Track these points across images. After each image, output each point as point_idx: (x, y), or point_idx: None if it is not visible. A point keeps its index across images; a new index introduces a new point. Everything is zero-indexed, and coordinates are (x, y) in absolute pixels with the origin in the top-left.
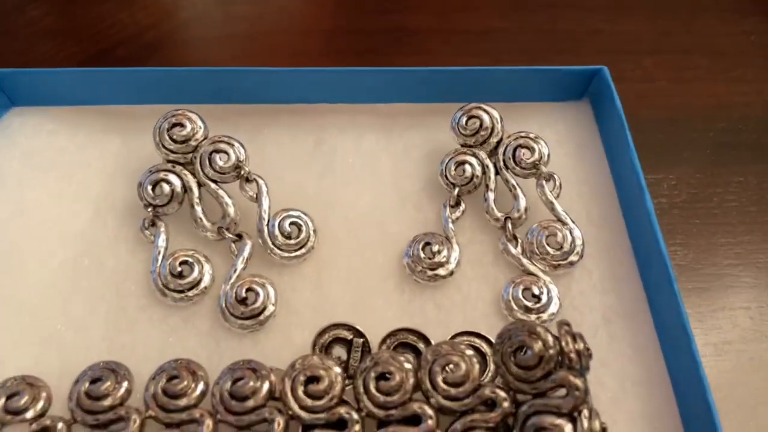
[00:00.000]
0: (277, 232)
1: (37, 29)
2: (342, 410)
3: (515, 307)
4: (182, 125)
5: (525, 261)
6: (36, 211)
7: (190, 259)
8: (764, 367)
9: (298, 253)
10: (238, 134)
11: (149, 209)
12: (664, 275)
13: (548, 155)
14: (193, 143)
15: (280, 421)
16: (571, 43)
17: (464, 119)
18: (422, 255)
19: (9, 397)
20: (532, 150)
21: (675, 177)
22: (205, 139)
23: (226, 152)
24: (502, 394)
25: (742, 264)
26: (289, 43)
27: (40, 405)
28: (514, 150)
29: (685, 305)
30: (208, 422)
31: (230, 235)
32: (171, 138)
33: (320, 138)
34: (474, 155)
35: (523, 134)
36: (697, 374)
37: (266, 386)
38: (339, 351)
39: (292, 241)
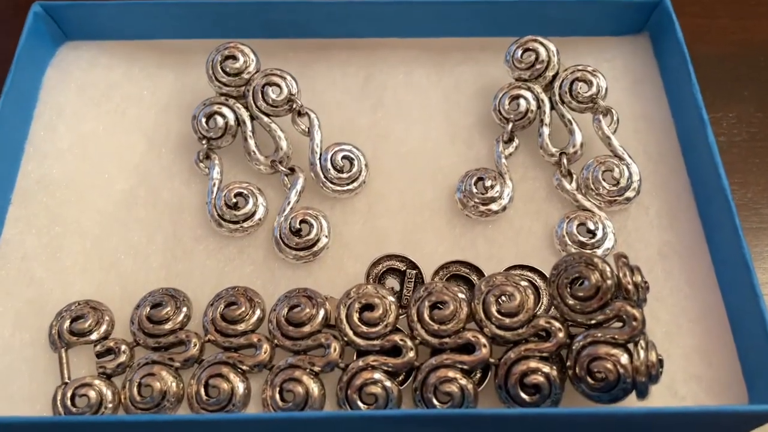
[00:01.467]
0: (329, 165)
1: None
2: (396, 337)
3: (569, 242)
4: (235, 58)
5: (580, 196)
6: (92, 142)
7: (245, 191)
8: None
9: (350, 186)
10: (288, 68)
11: (203, 142)
12: (726, 211)
13: (606, 89)
14: (245, 76)
15: (336, 347)
16: None
17: (519, 52)
18: (474, 190)
19: (74, 320)
20: (589, 83)
21: (735, 115)
22: (257, 72)
23: (278, 85)
24: (557, 324)
25: None
26: None
27: (103, 328)
28: (571, 83)
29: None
30: (266, 347)
31: (283, 169)
32: (224, 71)
33: (370, 73)
34: (529, 89)
35: (580, 67)
36: (758, 308)
37: (322, 313)
38: (392, 282)
39: (344, 175)
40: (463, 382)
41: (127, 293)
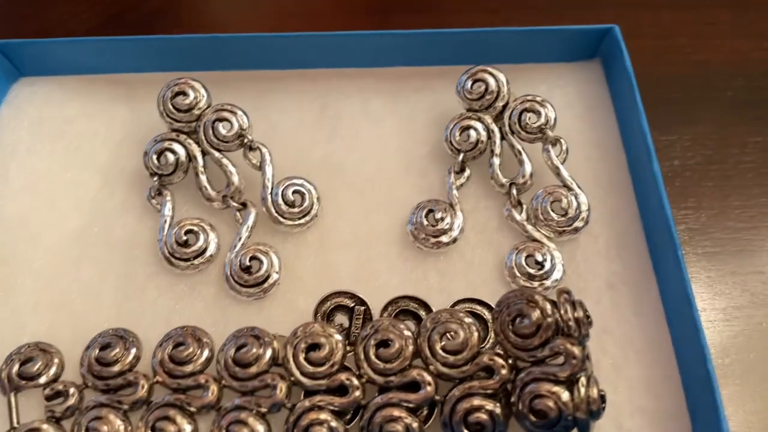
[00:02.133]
0: (280, 200)
1: None
2: (343, 377)
3: (518, 274)
4: (185, 94)
5: (529, 227)
6: (46, 180)
7: (196, 228)
8: None
9: (301, 221)
10: (244, 100)
11: (155, 178)
12: (670, 242)
13: (555, 119)
14: (196, 112)
15: (282, 387)
16: None
17: (469, 83)
18: (425, 222)
19: (23, 363)
20: (538, 114)
21: (690, 138)
22: (208, 107)
23: (228, 120)
24: (500, 361)
25: (756, 227)
26: (299, 2)
27: (52, 371)
28: (520, 114)
29: (695, 269)
30: (213, 387)
31: (235, 204)
32: (174, 107)
33: (326, 103)
34: (479, 120)
35: (529, 97)
36: (698, 341)
37: (269, 353)
38: (341, 318)
39: (296, 210)
40: (408, 420)
41: (79, 333)
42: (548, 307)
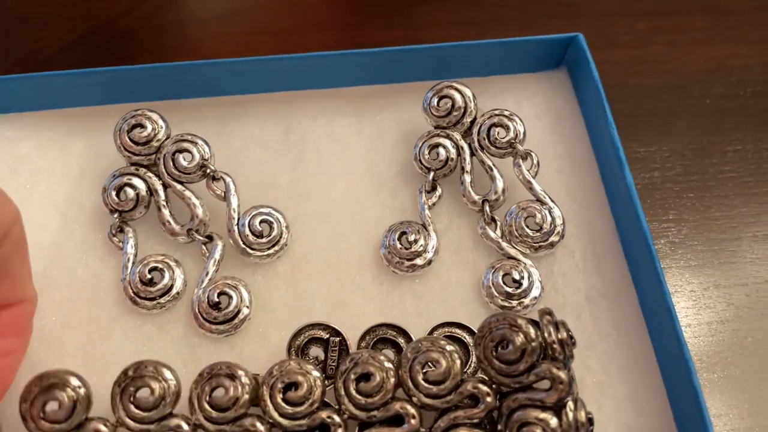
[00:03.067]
0: (247, 231)
1: (13, 18)
2: (323, 414)
3: (496, 293)
4: (142, 126)
5: (504, 244)
6: None
7: (160, 265)
8: (760, 347)
9: (270, 251)
10: (206, 128)
11: (115, 215)
12: (647, 255)
13: (524, 132)
14: (155, 144)
15: (261, 430)
16: (562, 6)
17: (435, 100)
18: (398, 245)
19: None
20: (506, 128)
21: (668, 148)
22: (167, 138)
23: (189, 151)
24: (485, 388)
25: (739, 238)
26: (270, 19)
27: None
28: (488, 129)
29: (678, 283)
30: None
31: (200, 237)
32: (132, 140)
33: (290, 127)
34: (448, 137)
35: (497, 112)
36: (682, 357)
37: (246, 396)
38: (316, 351)
39: (264, 240)
40: None
41: None
42: (532, 331)
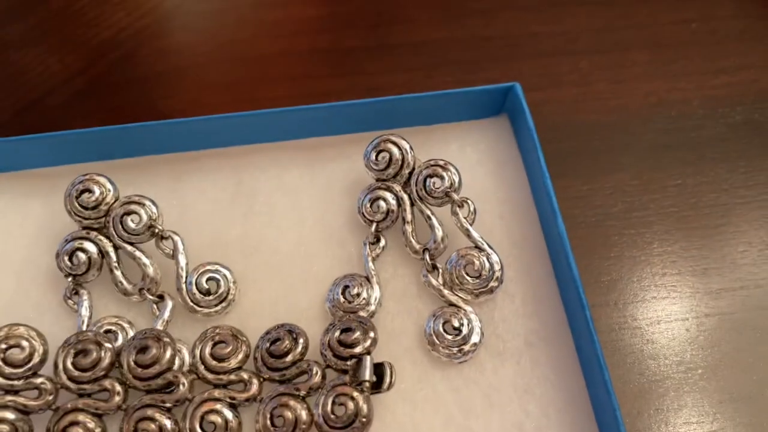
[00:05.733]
0: (195, 289)
1: None
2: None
3: (437, 341)
4: (90, 191)
5: (446, 292)
6: None
7: (114, 327)
8: (699, 379)
9: (218, 307)
10: (159, 184)
11: (69, 279)
12: (578, 303)
13: (459, 181)
14: (104, 207)
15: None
16: (506, 49)
17: (374, 155)
18: (342, 299)
19: None
20: (441, 178)
21: (611, 186)
22: (116, 200)
23: (137, 213)
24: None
25: (679, 273)
26: (221, 72)
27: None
28: (425, 180)
29: (623, 320)
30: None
31: (151, 297)
32: (81, 205)
33: (241, 180)
34: (388, 189)
35: (432, 162)
36: (611, 407)
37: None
38: None
39: (211, 297)
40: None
41: None
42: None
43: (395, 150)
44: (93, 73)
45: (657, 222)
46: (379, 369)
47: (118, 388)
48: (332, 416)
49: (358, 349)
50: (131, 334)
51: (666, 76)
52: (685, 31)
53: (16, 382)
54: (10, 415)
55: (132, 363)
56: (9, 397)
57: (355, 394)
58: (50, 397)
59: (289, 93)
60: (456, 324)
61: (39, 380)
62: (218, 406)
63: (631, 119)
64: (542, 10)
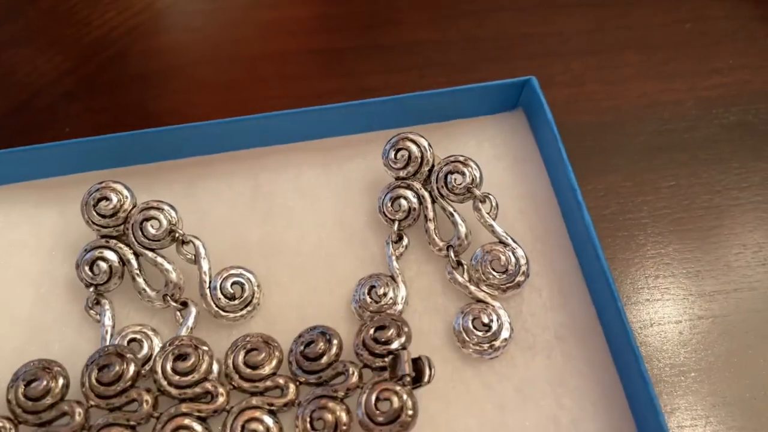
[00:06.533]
0: (219, 294)
1: None
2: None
3: (467, 338)
4: (108, 198)
5: (472, 288)
6: None
7: (139, 336)
8: (694, 382)
9: (243, 312)
10: (173, 190)
11: (90, 288)
12: (608, 294)
13: (480, 176)
14: (122, 215)
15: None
16: (499, 50)
17: (393, 153)
18: (368, 300)
19: None
20: (462, 174)
21: (603, 187)
22: (134, 207)
23: (156, 218)
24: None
25: (673, 275)
26: (212, 73)
27: None
28: (445, 176)
29: None
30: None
31: (174, 304)
32: (99, 213)
33: (258, 183)
34: (408, 187)
35: (452, 158)
36: (648, 396)
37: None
38: None
39: (236, 302)
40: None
41: None
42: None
43: (414, 147)
44: (83, 73)
45: (650, 224)
46: (417, 363)
47: (146, 396)
48: (377, 412)
49: (394, 345)
50: (156, 341)
51: (659, 77)
52: (678, 32)
53: (43, 415)
54: None
55: (169, 370)
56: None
57: (398, 388)
58: (79, 419)
59: (282, 93)
60: (485, 320)
61: (66, 406)
62: (258, 414)
63: (624, 120)
64: (534, 11)
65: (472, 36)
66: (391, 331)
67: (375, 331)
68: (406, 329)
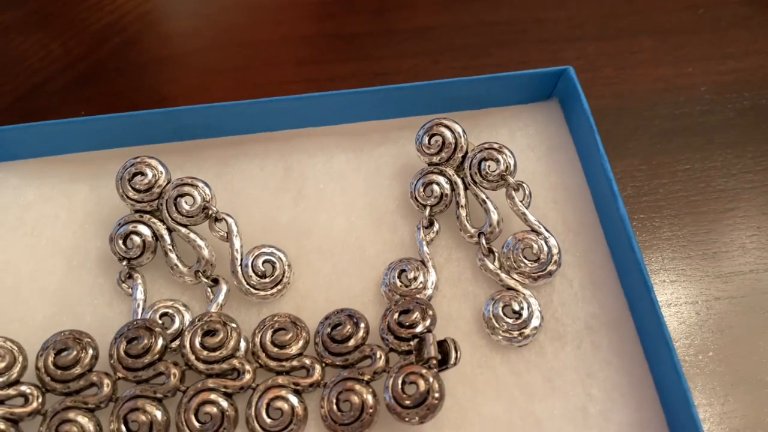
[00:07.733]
0: (251, 272)
1: None
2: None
3: (497, 325)
4: (143, 173)
5: (503, 276)
6: (7, 272)
7: (170, 310)
8: (709, 362)
9: (273, 291)
10: (205, 169)
11: (123, 262)
12: (642, 284)
13: (514, 164)
14: (156, 190)
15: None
16: (512, 35)
17: (426, 138)
18: (398, 283)
19: None
20: (496, 161)
21: (620, 170)
22: (168, 183)
23: (191, 195)
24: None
25: (689, 257)
26: (225, 57)
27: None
28: (479, 163)
29: None
30: (174, 371)
31: (206, 281)
32: (134, 188)
33: (289, 165)
34: (441, 173)
35: (486, 145)
36: (681, 387)
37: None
38: None
39: (267, 280)
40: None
41: None
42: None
43: (448, 133)
44: (95, 59)
45: (666, 206)
46: (442, 346)
47: (173, 370)
48: (404, 395)
49: (419, 329)
50: (187, 317)
51: (673, 62)
52: (691, 17)
53: (71, 384)
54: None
55: (197, 344)
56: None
57: (424, 371)
58: (107, 390)
59: (294, 78)
60: (516, 308)
61: (94, 377)
62: (283, 392)
63: (638, 104)
64: None
65: (485, 21)
66: (416, 315)
67: (399, 315)
68: (430, 312)
